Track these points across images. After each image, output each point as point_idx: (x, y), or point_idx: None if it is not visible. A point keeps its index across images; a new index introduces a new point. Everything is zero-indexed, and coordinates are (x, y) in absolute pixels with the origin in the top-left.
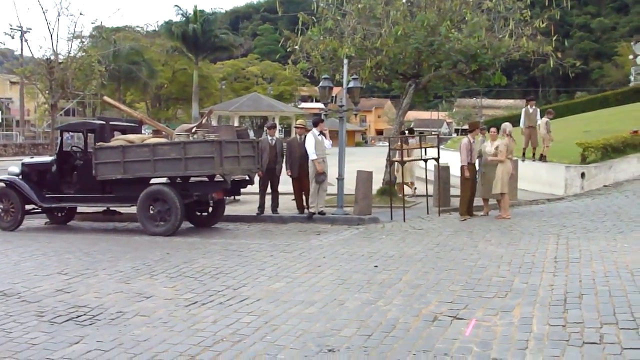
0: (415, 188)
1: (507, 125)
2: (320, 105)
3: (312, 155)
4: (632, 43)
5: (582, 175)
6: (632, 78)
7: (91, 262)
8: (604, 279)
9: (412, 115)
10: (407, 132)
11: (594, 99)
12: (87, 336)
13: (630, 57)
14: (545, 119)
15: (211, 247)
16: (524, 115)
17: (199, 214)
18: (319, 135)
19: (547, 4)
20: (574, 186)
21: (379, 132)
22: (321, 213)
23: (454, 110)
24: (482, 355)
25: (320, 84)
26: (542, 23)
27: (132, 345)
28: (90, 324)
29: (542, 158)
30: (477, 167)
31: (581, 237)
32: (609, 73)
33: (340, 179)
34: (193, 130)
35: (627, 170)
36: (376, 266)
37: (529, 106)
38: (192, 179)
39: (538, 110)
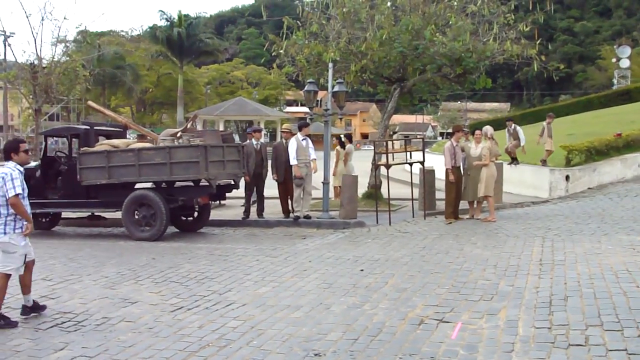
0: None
1: (488, 129)
2: (305, 109)
3: (292, 160)
4: (615, 46)
5: (567, 178)
6: (615, 81)
7: (76, 268)
8: (589, 281)
9: (397, 119)
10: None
11: (577, 102)
12: (72, 342)
13: (613, 60)
14: (544, 123)
15: (197, 252)
16: (506, 135)
17: (184, 218)
18: (302, 139)
19: (531, 8)
20: (559, 189)
21: (364, 136)
22: (307, 217)
23: (439, 113)
24: (469, 359)
25: (306, 88)
26: (526, 27)
27: (117, 351)
28: (75, 330)
29: (543, 163)
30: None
31: (566, 240)
32: (593, 76)
33: (325, 182)
34: (178, 134)
35: (611, 172)
36: (362, 270)
37: (508, 127)
38: (178, 184)
39: (520, 129)
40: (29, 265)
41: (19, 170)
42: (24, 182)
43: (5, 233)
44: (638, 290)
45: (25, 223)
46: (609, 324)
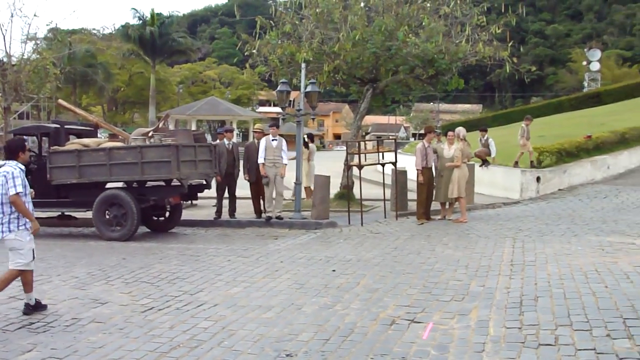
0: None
1: (460, 130)
2: (278, 109)
3: (259, 159)
4: (585, 50)
5: (538, 179)
6: (585, 84)
7: (45, 268)
8: (559, 281)
9: (369, 119)
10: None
11: (549, 104)
12: (41, 344)
13: (584, 63)
14: (523, 125)
15: (168, 252)
16: (479, 142)
17: (155, 218)
18: (272, 140)
19: (503, 10)
20: (530, 190)
21: (337, 137)
22: (278, 218)
23: (412, 114)
24: (440, 359)
25: (278, 88)
26: (498, 29)
27: (87, 352)
28: (44, 332)
29: (516, 164)
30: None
31: (537, 240)
32: (564, 79)
33: (297, 183)
34: (150, 134)
35: (581, 174)
36: (334, 270)
37: (481, 136)
38: (149, 184)
39: (492, 141)
40: None
41: (20, 168)
42: (25, 181)
43: (10, 231)
44: (607, 291)
45: (27, 221)
46: (578, 324)
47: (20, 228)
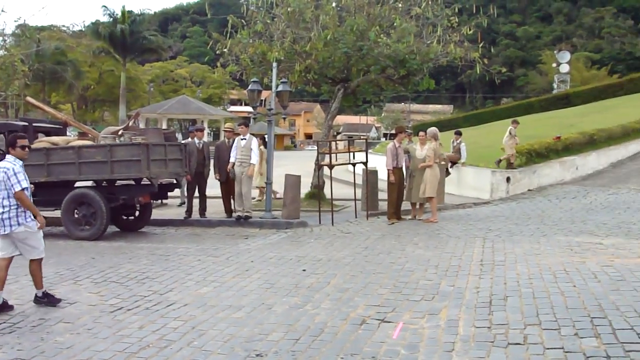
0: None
1: (433, 130)
2: (249, 108)
3: (231, 158)
4: (555, 52)
5: (508, 179)
6: (555, 85)
7: (12, 268)
8: (528, 281)
9: (341, 119)
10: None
11: (519, 105)
12: (7, 345)
13: (554, 65)
14: (509, 128)
15: (137, 252)
16: (451, 144)
17: (125, 217)
18: (242, 139)
19: (474, 11)
20: (500, 190)
21: (308, 136)
22: (246, 217)
23: (383, 114)
24: (409, 358)
25: (249, 87)
26: (470, 30)
27: (54, 353)
28: (11, 332)
29: (510, 165)
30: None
31: (506, 240)
32: (534, 80)
33: (268, 183)
34: (119, 132)
35: (550, 175)
36: (304, 270)
37: (454, 139)
38: (119, 182)
39: (464, 146)
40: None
41: (20, 164)
42: (26, 175)
43: (19, 224)
44: (575, 290)
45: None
46: (547, 323)
47: (27, 220)
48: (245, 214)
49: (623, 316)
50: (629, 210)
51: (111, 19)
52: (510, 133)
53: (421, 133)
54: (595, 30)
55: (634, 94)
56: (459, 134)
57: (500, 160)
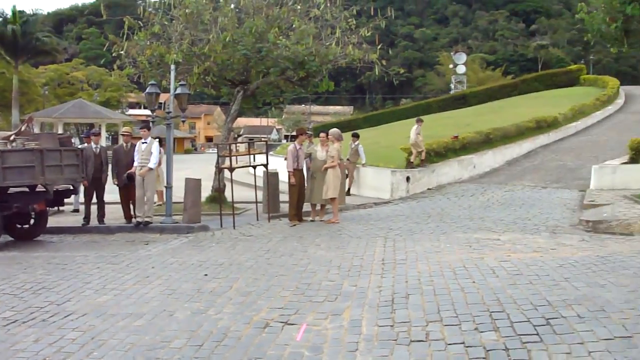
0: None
1: (335, 131)
2: (148, 112)
3: (135, 162)
4: (452, 53)
5: (407, 179)
6: (452, 86)
7: None
8: (429, 278)
9: (242, 121)
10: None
11: (417, 106)
12: None
13: (451, 66)
14: (414, 127)
15: (33, 262)
16: (349, 148)
17: (19, 226)
18: (143, 143)
19: (372, 13)
20: (400, 190)
21: (209, 139)
22: (146, 223)
23: (284, 116)
24: None
25: (147, 90)
26: (368, 32)
27: None
28: None
29: (422, 163)
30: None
31: (407, 239)
32: (432, 81)
33: (168, 187)
34: (11, 138)
35: (448, 173)
36: (206, 275)
37: (352, 142)
38: (12, 190)
39: (361, 148)
40: None
41: None
42: None
43: None
44: (474, 286)
45: None
46: (448, 319)
47: None
48: (146, 219)
49: (520, 309)
50: (524, 206)
51: (1, 19)
52: (415, 132)
53: (322, 134)
54: (490, 32)
55: (527, 94)
56: (356, 136)
57: (411, 162)
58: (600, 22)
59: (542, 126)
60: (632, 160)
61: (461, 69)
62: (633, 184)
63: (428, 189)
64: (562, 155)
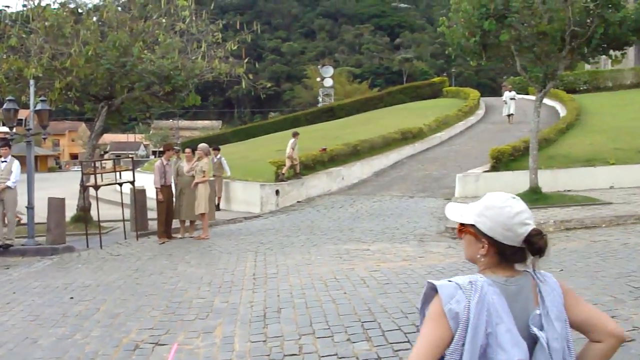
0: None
1: (204, 146)
2: (6, 129)
3: None
4: (319, 66)
5: (277, 192)
6: (320, 99)
7: None
8: (301, 291)
9: (108, 138)
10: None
11: (286, 119)
12: None
13: (318, 79)
14: (291, 140)
15: None
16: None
17: None
18: (2, 161)
19: (238, 27)
20: (270, 203)
21: (74, 156)
22: (6, 246)
23: (151, 132)
24: None
25: (4, 107)
26: (234, 46)
27: None
28: None
29: (296, 175)
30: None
31: (278, 253)
32: (300, 94)
33: (29, 207)
34: None
35: (317, 186)
36: (72, 298)
37: (214, 155)
38: None
39: (224, 160)
40: None
41: None
42: None
43: None
44: (345, 297)
45: None
46: (320, 332)
47: None
48: (6, 241)
49: (391, 318)
50: (392, 215)
51: None
52: (291, 145)
53: (187, 150)
54: (356, 46)
55: (393, 105)
56: (217, 149)
57: (283, 173)
58: (460, 37)
59: (407, 137)
60: (493, 168)
61: (328, 82)
62: (495, 191)
63: (298, 201)
64: (427, 165)
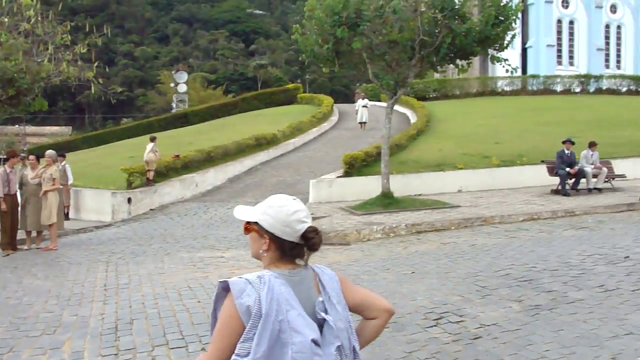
0: None
1: (52, 153)
2: None
3: None
4: (173, 72)
5: (129, 200)
6: (174, 105)
7: None
8: (154, 301)
9: None
10: None
11: (139, 125)
12: None
13: (172, 85)
14: (150, 145)
15: None
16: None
17: None
18: None
19: (88, 30)
20: (122, 212)
21: None
22: None
23: None
24: None
25: None
26: (84, 49)
27: None
28: None
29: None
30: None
31: (130, 262)
32: (154, 100)
33: None
34: None
35: (171, 193)
36: None
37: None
38: None
39: (68, 168)
40: None
41: None
42: None
43: None
44: (199, 306)
45: None
46: (174, 342)
47: None
48: None
49: None
50: None
51: None
52: (151, 150)
53: (31, 157)
54: (211, 51)
55: (247, 112)
56: (63, 156)
57: (149, 179)
58: (313, 44)
59: (262, 143)
60: (347, 174)
61: (182, 88)
62: (348, 196)
63: (150, 209)
64: (281, 171)
